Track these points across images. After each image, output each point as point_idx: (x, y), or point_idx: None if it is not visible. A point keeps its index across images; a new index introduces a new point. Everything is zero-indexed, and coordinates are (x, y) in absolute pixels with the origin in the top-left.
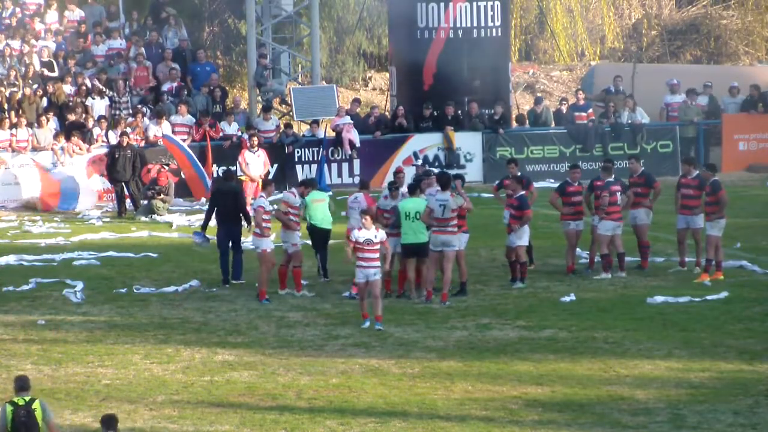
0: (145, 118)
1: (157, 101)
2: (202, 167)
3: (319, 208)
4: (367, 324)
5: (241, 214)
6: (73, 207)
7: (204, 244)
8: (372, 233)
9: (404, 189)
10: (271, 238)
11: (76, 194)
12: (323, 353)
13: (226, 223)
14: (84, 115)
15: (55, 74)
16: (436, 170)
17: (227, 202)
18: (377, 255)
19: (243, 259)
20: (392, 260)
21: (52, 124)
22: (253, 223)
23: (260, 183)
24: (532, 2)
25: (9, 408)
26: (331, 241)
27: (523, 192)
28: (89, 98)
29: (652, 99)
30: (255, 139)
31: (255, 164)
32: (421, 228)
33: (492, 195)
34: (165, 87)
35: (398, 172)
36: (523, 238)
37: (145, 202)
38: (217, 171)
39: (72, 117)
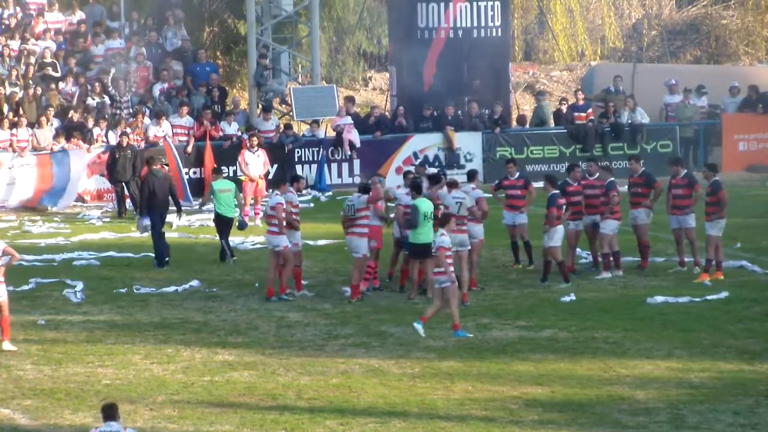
0: (146, 118)
1: (155, 102)
2: (183, 172)
3: (224, 197)
4: (421, 326)
5: (171, 200)
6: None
7: (144, 227)
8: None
9: (403, 189)
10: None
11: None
12: (323, 353)
13: (159, 208)
14: (84, 115)
15: (58, 74)
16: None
17: (162, 188)
18: None
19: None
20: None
21: (52, 123)
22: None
23: (259, 183)
24: (532, 2)
25: None
26: (327, 241)
27: (555, 191)
28: (89, 98)
29: (652, 99)
30: (255, 139)
31: (255, 164)
32: (431, 228)
33: (490, 195)
34: (158, 88)
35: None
36: (554, 238)
37: None
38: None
39: (76, 117)
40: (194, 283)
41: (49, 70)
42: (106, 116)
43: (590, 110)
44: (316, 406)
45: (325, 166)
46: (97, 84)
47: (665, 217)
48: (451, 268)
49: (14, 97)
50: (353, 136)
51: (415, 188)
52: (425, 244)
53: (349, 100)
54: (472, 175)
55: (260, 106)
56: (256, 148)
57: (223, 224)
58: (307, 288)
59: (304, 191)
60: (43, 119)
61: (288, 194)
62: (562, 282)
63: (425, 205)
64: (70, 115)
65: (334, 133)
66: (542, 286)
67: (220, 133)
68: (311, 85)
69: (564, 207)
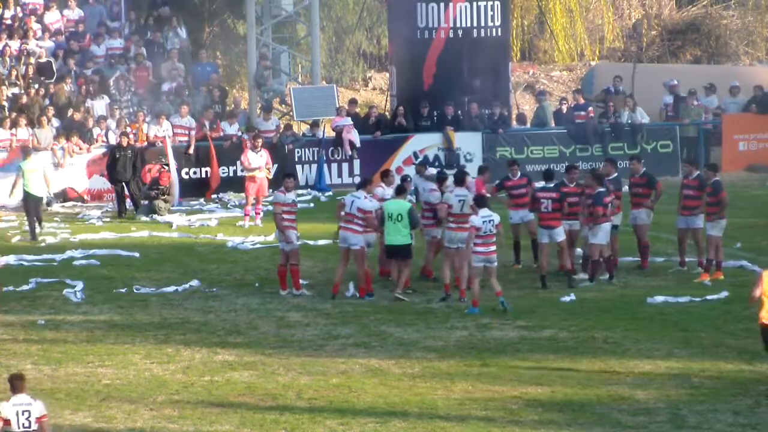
0: (147, 118)
1: (156, 101)
2: (178, 172)
3: (34, 177)
4: (478, 310)
5: None
6: None
7: None
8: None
9: (390, 191)
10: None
11: None
12: (323, 353)
13: None
14: (84, 115)
15: (55, 75)
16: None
17: None
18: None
19: None
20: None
21: (52, 123)
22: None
23: (262, 182)
24: (532, 2)
25: None
26: (328, 242)
27: (601, 189)
28: (89, 99)
29: (652, 99)
30: (259, 140)
31: (257, 164)
32: (403, 229)
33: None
34: (165, 87)
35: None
36: (598, 236)
37: (146, 202)
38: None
39: (77, 116)
40: (194, 283)
41: (48, 71)
42: (107, 117)
43: (590, 109)
44: (316, 406)
45: (325, 165)
46: (98, 84)
47: (665, 216)
48: (493, 247)
49: (20, 98)
50: (353, 136)
51: (397, 190)
52: (394, 246)
53: (352, 102)
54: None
55: (260, 105)
56: (259, 148)
57: (31, 203)
58: (306, 287)
59: (304, 191)
60: (44, 119)
61: (277, 194)
62: (586, 279)
63: (392, 206)
64: (70, 114)
65: (333, 133)
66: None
67: (220, 133)
68: (311, 85)
69: (609, 205)
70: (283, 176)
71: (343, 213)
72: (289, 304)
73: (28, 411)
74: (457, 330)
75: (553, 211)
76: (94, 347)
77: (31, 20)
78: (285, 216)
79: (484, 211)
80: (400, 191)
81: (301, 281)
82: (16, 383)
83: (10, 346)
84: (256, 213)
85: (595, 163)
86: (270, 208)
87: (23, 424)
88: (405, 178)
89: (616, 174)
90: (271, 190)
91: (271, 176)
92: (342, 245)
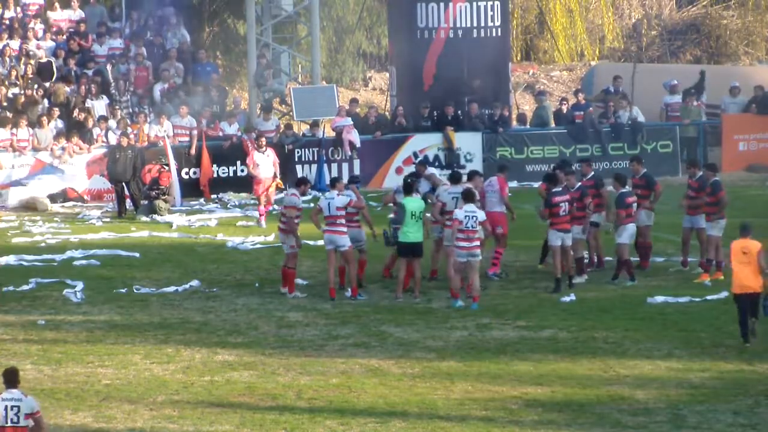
0: (149, 119)
1: (153, 102)
2: (177, 175)
3: None
4: (460, 303)
5: None
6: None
7: None
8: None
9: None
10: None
11: None
12: (323, 353)
13: None
14: (84, 116)
15: (55, 75)
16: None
17: None
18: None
19: None
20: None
21: (53, 124)
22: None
23: (270, 185)
24: (532, 2)
25: None
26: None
27: (624, 189)
28: (89, 99)
29: (652, 99)
30: (263, 140)
31: (265, 165)
32: (421, 227)
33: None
34: (158, 87)
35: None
36: (623, 236)
37: (146, 202)
38: (217, 171)
39: (82, 116)
40: (194, 283)
41: (47, 71)
42: (107, 117)
43: (591, 109)
44: (316, 406)
45: (325, 165)
46: (97, 84)
47: (665, 217)
48: (477, 243)
49: (19, 99)
50: (353, 136)
51: (406, 188)
52: (413, 243)
53: (353, 101)
54: (471, 175)
55: (260, 105)
56: (264, 148)
57: None
58: (299, 290)
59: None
60: (44, 119)
61: (292, 198)
62: (627, 280)
63: (413, 204)
64: (75, 115)
65: (333, 133)
66: (542, 286)
67: (219, 133)
68: (311, 85)
69: (633, 205)
70: (297, 182)
71: (323, 216)
72: (289, 304)
73: (18, 407)
74: (457, 330)
75: (568, 214)
76: (94, 347)
77: (36, 21)
78: (295, 220)
79: (469, 206)
80: (411, 189)
81: (300, 281)
82: (11, 378)
83: (10, 346)
84: (259, 214)
85: (595, 164)
86: (269, 208)
87: (12, 419)
88: (408, 179)
89: (592, 173)
90: (277, 191)
91: (281, 185)
92: (329, 247)
